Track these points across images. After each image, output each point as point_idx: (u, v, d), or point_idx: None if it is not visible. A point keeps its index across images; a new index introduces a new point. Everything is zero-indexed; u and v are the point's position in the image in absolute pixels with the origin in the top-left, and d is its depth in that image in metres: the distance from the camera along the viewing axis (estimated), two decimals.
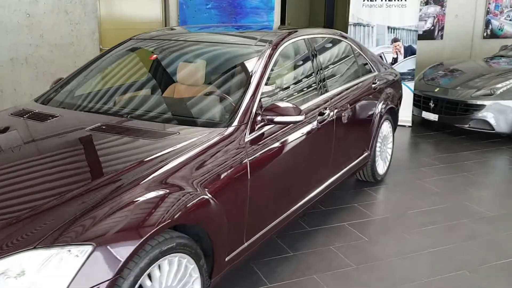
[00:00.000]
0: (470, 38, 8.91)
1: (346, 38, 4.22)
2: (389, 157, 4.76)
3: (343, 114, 3.60)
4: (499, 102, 5.85)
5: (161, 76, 3.49)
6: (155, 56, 3.34)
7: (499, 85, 5.96)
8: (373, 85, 4.22)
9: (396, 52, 6.67)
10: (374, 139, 4.28)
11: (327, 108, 3.39)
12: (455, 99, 6.11)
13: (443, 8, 8.41)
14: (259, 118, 2.68)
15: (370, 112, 4.16)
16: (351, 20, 6.87)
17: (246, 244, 2.65)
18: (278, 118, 2.68)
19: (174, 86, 3.26)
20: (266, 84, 2.99)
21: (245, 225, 2.60)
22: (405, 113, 6.71)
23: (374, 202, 4.18)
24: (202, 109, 2.85)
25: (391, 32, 6.68)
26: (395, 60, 6.70)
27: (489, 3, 8.84)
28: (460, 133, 6.31)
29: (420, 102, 6.60)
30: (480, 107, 5.91)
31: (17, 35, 5.81)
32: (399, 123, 6.80)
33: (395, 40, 6.67)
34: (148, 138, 2.44)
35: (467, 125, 6.04)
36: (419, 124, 6.87)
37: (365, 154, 4.18)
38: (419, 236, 3.55)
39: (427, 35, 8.43)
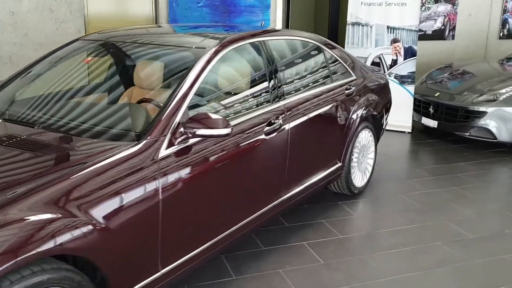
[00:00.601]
0: (484, 38, 8.38)
1: (322, 42, 3.89)
2: (370, 168, 4.41)
3: (302, 124, 3.29)
4: (502, 108, 5.40)
5: (105, 78, 3.25)
6: (89, 59, 3.10)
7: (503, 90, 5.51)
8: (347, 91, 3.89)
9: (396, 53, 6.27)
10: (348, 149, 3.94)
11: (280, 118, 3.08)
12: (455, 105, 5.68)
13: (454, 7, 7.92)
14: (181, 130, 2.40)
15: (342, 121, 3.83)
16: (349, 19, 6.51)
17: (162, 271, 2.38)
18: (201, 131, 2.39)
19: (132, 89, 3.04)
20: (201, 92, 2.72)
21: (158, 252, 2.33)
22: (405, 119, 6.32)
23: (345, 218, 3.85)
24: (117, 118, 2.59)
25: (390, 32, 6.28)
26: (394, 62, 6.31)
27: (506, 1, 8.30)
28: (462, 141, 5.88)
29: (420, 107, 6.20)
30: (482, 114, 5.47)
31: (0, 34, 5.69)
32: (398, 129, 6.49)
33: (394, 41, 6.27)
34: (38, 152, 2.20)
35: (468, 133, 5.61)
36: (420, 130, 6.45)
37: (337, 165, 3.85)
38: (383, 260, 3.21)
39: (437, 35, 7.97)
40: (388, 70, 6.34)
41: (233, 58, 3.08)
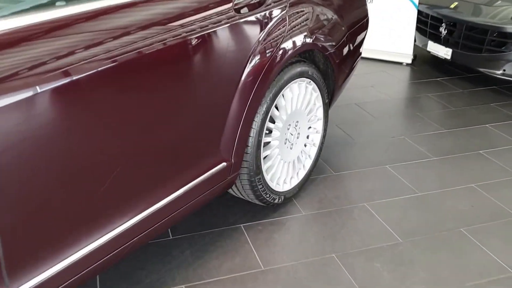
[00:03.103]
0: None
1: None
2: (311, 154, 2.35)
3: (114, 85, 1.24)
4: None
5: None
6: None
7: None
8: (236, 6, 1.74)
9: None
10: (251, 129, 1.89)
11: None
12: (483, 23, 3.47)
13: None
14: None
15: (235, 68, 1.74)
16: None
17: None
18: None
19: None
20: None
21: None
22: (402, 43, 4.13)
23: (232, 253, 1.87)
24: None
25: None
26: None
27: None
28: (490, 82, 3.73)
29: (426, 26, 3.98)
30: None
31: None
32: (390, 59, 4.26)
33: None
34: None
35: (501, 71, 3.45)
36: (425, 61, 4.27)
37: (219, 167, 1.80)
38: None
39: None
40: None
41: None
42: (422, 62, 4.23)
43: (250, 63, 1.81)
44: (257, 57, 1.83)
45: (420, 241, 2.05)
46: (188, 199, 1.72)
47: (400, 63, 4.17)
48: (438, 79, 3.86)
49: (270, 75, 1.90)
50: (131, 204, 1.51)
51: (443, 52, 3.76)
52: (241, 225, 2.11)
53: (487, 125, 3.09)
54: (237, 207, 2.23)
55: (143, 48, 1.39)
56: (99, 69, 1.28)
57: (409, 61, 4.15)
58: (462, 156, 2.72)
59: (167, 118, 1.54)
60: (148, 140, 1.50)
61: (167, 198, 1.62)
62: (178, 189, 1.67)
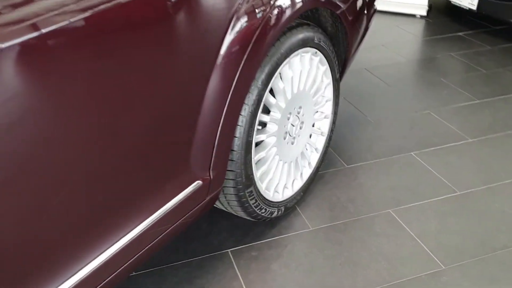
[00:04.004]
0: None
1: None
2: (319, 150, 1.79)
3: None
4: None
5: None
6: None
7: None
8: None
9: None
10: (232, 134, 1.32)
11: None
12: None
13: None
14: None
15: (197, 42, 1.14)
16: None
17: None
18: None
19: None
20: None
21: None
22: None
23: None
24: None
25: None
26: None
27: None
28: None
29: None
30: None
31: None
32: (402, 11, 3.61)
33: None
34: None
35: None
36: (443, 13, 3.65)
37: (190, 188, 1.24)
38: None
39: None
40: None
41: None
42: (438, 14, 3.60)
43: (232, 30, 1.22)
44: (243, 21, 1.23)
45: (469, 267, 1.52)
46: (151, 236, 1.17)
47: (413, 16, 3.55)
48: (460, 33, 3.25)
49: (263, 47, 1.31)
50: (69, 256, 0.96)
51: (468, 1, 3.14)
52: (228, 250, 1.58)
53: None
54: (223, 222, 1.69)
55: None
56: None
57: (424, 13, 3.53)
58: (505, 135, 2.17)
59: (99, 119, 0.96)
60: (74, 158, 0.93)
61: (118, 243, 1.08)
62: (131, 228, 1.11)
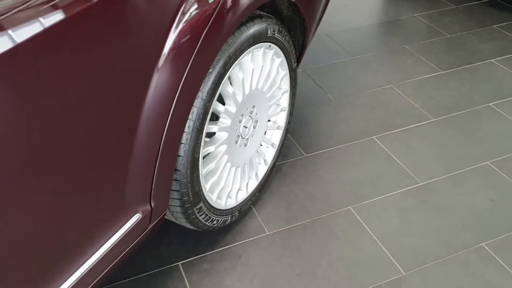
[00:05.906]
0: None
1: None
2: (275, 145, 1.66)
3: None
4: None
5: None
6: None
7: None
8: None
9: None
10: (176, 154, 1.18)
11: None
12: None
13: None
14: None
15: (133, 41, 0.97)
16: None
17: None
18: None
19: None
20: None
21: None
22: None
23: None
24: None
25: None
26: None
27: None
28: None
29: None
30: None
31: None
32: None
33: None
34: None
35: None
36: None
37: (129, 223, 1.10)
38: None
39: None
40: None
41: None
42: None
43: (176, 27, 1.04)
44: (191, 13, 1.05)
45: (430, 272, 1.47)
46: (94, 274, 1.05)
47: None
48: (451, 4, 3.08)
49: (212, 48, 1.14)
50: None
51: None
52: (179, 263, 1.47)
53: (492, 60, 2.43)
54: (174, 230, 1.57)
55: None
56: None
57: None
58: (470, 113, 2.09)
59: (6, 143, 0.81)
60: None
61: None
62: (69, 275, 0.99)
